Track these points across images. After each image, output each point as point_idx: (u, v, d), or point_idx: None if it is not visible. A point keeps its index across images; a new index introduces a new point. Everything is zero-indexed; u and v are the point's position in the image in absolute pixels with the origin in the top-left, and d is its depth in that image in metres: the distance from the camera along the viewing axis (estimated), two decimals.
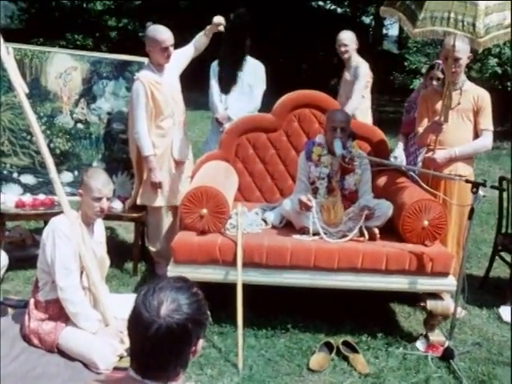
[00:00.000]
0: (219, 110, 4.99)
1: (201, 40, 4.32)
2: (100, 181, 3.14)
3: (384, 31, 18.49)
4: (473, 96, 3.89)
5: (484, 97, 3.91)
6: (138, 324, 1.43)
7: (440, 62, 4.61)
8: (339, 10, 17.94)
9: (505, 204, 4.50)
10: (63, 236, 3.10)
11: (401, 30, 17.18)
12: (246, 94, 4.98)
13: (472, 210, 3.27)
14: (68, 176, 4.35)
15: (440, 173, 3.80)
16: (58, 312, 3.16)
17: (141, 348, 1.43)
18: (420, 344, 3.60)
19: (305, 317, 3.78)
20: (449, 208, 3.78)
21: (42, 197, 4.25)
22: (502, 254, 4.55)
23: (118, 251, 4.54)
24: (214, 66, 5.10)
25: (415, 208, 3.55)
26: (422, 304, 4.05)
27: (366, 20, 18.17)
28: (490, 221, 6.19)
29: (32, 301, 3.22)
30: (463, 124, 3.90)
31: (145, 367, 1.45)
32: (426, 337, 3.60)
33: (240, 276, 3.38)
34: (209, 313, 1.54)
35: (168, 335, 1.40)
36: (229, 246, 3.46)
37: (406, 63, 9.98)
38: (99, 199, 3.13)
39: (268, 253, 3.45)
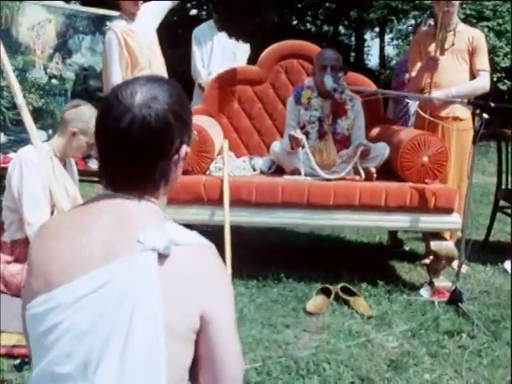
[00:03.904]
0: (202, 75, 4.80)
1: None
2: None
3: (366, 49, 18.68)
4: (467, 36, 3.74)
5: (479, 37, 3.77)
6: (107, 119, 1.14)
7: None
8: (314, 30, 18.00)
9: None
10: (32, 166, 2.80)
11: (381, 48, 17.31)
12: (229, 59, 4.80)
13: (476, 134, 3.05)
14: (42, 135, 4.06)
15: (437, 114, 3.62)
16: (25, 253, 2.82)
17: (111, 150, 1.15)
18: (424, 291, 3.32)
19: (299, 268, 3.49)
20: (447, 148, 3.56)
21: (12, 155, 3.95)
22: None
23: None
24: (196, 33, 4.93)
25: (414, 143, 3.32)
26: (422, 261, 3.84)
27: (349, 40, 18.35)
28: (483, 200, 5.99)
29: None
30: (458, 65, 3.73)
31: (117, 176, 1.16)
32: (431, 284, 3.33)
33: (227, 215, 3.10)
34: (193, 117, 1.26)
35: (144, 128, 1.11)
36: (214, 182, 3.19)
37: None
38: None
39: (257, 190, 3.18)
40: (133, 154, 1.13)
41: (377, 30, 18.14)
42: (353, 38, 18.00)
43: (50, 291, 1.08)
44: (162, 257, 1.07)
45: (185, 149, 1.20)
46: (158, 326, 1.04)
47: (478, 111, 3.04)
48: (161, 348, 1.04)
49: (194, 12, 15.77)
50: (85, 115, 2.87)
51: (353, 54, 17.73)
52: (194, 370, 1.15)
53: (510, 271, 3.77)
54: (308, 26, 17.61)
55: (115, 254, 1.08)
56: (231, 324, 1.15)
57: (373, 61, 18.88)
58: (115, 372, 1.04)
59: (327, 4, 17.08)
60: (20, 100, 2.95)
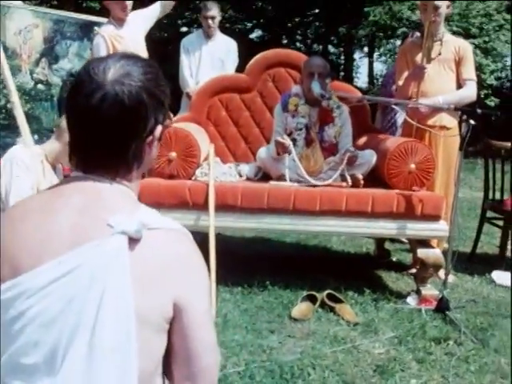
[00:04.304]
0: (190, 84, 4.78)
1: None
2: None
3: (355, 68, 18.87)
4: (454, 46, 3.76)
5: (465, 47, 3.79)
6: (78, 96, 1.07)
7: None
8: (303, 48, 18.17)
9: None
10: (22, 165, 2.74)
11: (370, 67, 17.47)
12: (217, 68, 4.78)
13: (463, 140, 3.05)
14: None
15: (424, 123, 3.62)
16: None
17: (82, 129, 1.08)
18: (411, 299, 3.29)
19: (285, 276, 3.45)
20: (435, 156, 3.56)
21: None
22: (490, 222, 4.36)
23: None
24: (185, 42, 4.93)
25: (401, 150, 3.31)
26: (409, 271, 3.81)
27: (338, 59, 18.53)
28: (470, 214, 5.99)
29: None
30: (445, 74, 3.74)
31: (88, 157, 1.10)
32: (418, 292, 3.30)
33: (212, 220, 3.05)
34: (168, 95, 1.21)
35: (116, 105, 1.05)
36: (200, 187, 3.16)
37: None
38: None
39: (243, 194, 3.14)
40: (104, 132, 1.06)
41: (366, 50, 18.34)
42: (342, 57, 18.14)
43: (17, 276, 1.02)
44: (134, 241, 1.01)
45: (160, 129, 1.13)
46: (129, 312, 0.99)
47: (464, 117, 3.03)
48: (131, 336, 0.98)
49: (184, 29, 15.94)
50: None
51: (342, 72, 17.93)
52: (167, 363, 1.09)
53: (498, 281, 3.75)
54: (298, 44, 17.80)
55: (85, 237, 1.02)
56: (206, 313, 1.09)
57: (362, 79, 19.07)
58: (83, 362, 0.98)
59: (317, 23, 17.28)
60: (14, 98, 2.92)
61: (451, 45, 3.75)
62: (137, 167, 1.13)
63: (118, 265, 1.00)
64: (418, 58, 3.74)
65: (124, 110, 1.06)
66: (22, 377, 1.01)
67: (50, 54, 4.08)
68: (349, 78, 17.35)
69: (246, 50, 4.82)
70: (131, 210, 1.06)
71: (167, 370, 1.10)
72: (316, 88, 3.39)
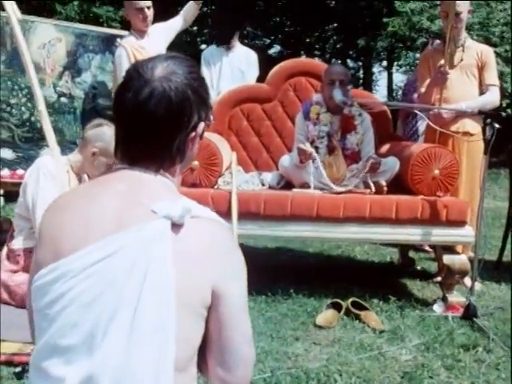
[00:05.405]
0: (211, 95, 4.80)
1: (190, 9, 4.17)
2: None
3: (373, 81, 18.90)
4: (476, 52, 3.74)
5: (488, 52, 3.76)
6: (126, 92, 1.13)
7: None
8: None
9: None
10: (49, 175, 2.80)
11: (389, 80, 17.44)
12: (238, 79, 4.80)
13: (488, 144, 3.01)
14: (50, 152, 4.07)
15: (447, 129, 3.58)
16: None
17: (129, 123, 1.13)
18: (438, 307, 3.23)
19: (309, 285, 3.42)
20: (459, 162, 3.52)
21: (20, 172, 3.95)
22: None
23: None
24: (205, 54, 4.97)
25: (424, 156, 3.28)
26: (435, 279, 3.76)
27: (357, 73, 18.57)
28: (495, 223, 5.90)
29: (5, 251, 2.88)
30: (468, 80, 3.71)
31: (133, 149, 1.14)
32: (444, 299, 3.24)
33: (235, 227, 3.04)
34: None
35: (163, 101, 1.10)
36: (222, 195, 3.15)
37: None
38: None
39: (266, 202, 3.13)
40: (151, 126, 1.12)
41: (384, 63, 18.36)
42: (361, 71, 18.16)
43: (59, 260, 1.05)
44: (176, 227, 1.04)
45: (202, 126, 1.19)
46: (169, 296, 1.00)
47: (488, 121, 2.99)
48: (171, 321, 1.00)
49: (204, 47, 16.21)
50: (105, 135, 2.84)
51: (361, 86, 17.98)
52: (201, 353, 1.10)
53: None
54: (316, 59, 17.92)
55: (127, 222, 1.05)
56: (243, 303, 1.12)
57: (381, 92, 19.06)
58: (122, 343, 0.99)
59: (335, 37, 17.36)
60: (41, 107, 2.96)
61: (473, 50, 3.73)
62: (179, 161, 1.17)
63: (160, 249, 1.02)
64: (441, 63, 3.71)
65: (171, 106, 1.11)
66: (60, 357, 1.02)
67: (72, 67, 4.14)
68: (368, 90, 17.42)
69: (265, 66, 4.84)
70: (173, 198, 1.09)
71: (200, 359, 1.11)
72: (338, 95, 3.38)
